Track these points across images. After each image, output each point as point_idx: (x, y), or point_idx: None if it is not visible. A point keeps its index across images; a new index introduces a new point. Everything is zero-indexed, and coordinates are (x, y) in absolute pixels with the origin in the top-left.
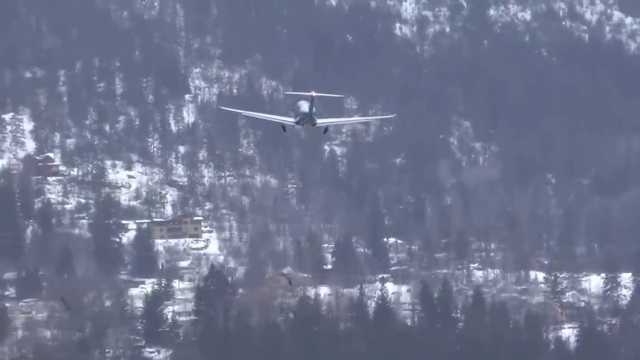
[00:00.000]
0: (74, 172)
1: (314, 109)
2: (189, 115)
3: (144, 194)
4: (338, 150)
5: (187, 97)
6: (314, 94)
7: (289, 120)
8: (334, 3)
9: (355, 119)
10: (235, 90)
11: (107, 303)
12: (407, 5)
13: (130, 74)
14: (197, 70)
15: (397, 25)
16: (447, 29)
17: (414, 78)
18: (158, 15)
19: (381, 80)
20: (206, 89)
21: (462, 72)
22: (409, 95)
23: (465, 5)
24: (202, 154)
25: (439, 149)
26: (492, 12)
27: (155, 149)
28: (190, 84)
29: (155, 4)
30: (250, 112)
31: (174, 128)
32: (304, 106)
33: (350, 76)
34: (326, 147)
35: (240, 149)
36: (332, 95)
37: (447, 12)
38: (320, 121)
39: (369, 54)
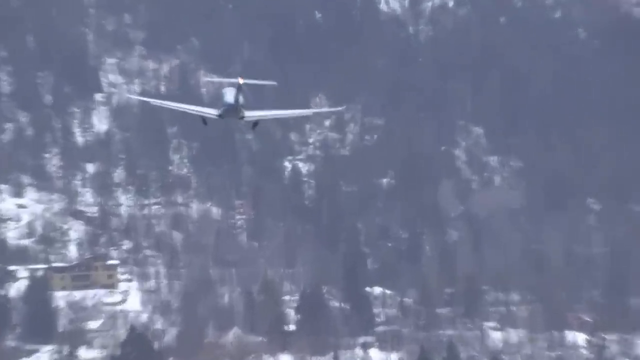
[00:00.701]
0: None
1: (240, 99)
2: (100, 122)
3: (39, 229)
4: (303, 167)
5: (98, 97)
6: (241, 80)
7: (210, 111)
8: None
9: (293, 111)
10: (162, 87)
11: None
12: None
13: (22, 67)
14: (112, 60)
15: None
16: (450, 3)
17: (405, 69)
18: None
19: (361, 73)
20: (124, 86)
21: (469, 61)
22: (398, 92)
23: None
24: (118, 175)
25: (439, 164)
26: None
27: (54, 168)
28: (103, 79)
29: None
30: (162, 101)
31: (79, 139)
32: (228, 95)
33: (320, 68)
34: (287, 164)
35: (170, 167)
36: (263, 83)
37: None
38: (249, 114)
39: (345, 37)
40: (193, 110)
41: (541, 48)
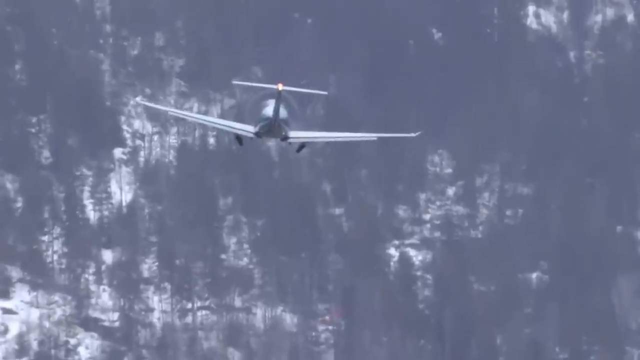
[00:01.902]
0: None
1: (283, 113)
2: (121, 189)
3: (35, 345)
4: (416, 255)
5: (117, 152)
6: (280, 87)
7: (246, 128)
8: None
9: (352, 134)
10: (212, 139)
11: None
12: None
13: (7, 108)
14: (138, 100)
15: None
16: (630, 16)
17: (563, 112)
18: None
19: (499, 117)
20: (155, 137)
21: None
22: (554, 145)
23: None
24: (148, 266)
25: (614, 251)
26: None
27: (55, 257)
28: (125, 127)
29: None
30: (183, 112)
31: (92, 214)
32: (268, 108)
33: (439, 109)
34: (393, 251)
35: (223, 256)
36: (312, 92)
37: None
38: (295, 134)
39: (476, 65)
40: (225, 126)
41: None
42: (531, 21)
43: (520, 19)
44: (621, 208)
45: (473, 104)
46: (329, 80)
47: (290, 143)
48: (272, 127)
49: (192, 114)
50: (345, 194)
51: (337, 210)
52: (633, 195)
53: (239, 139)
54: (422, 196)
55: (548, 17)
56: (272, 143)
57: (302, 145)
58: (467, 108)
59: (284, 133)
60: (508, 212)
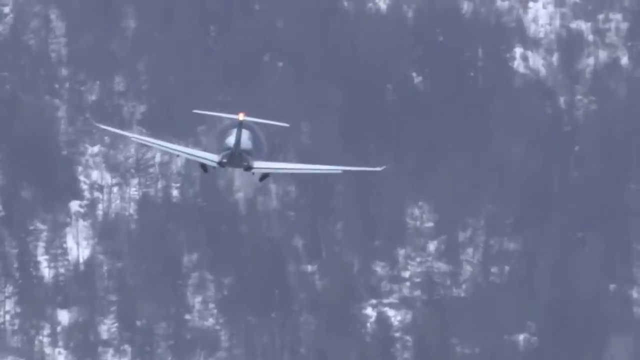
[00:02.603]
0: None
1: (247, 144)
2: (78, 246)
3: None
4: (395, 316)
5: (74, 205)
6: (241, 117)
7: (210, 157)
8: None
9: (317, 166)
10: (175, 190)
11: None
12: None
13: None
14: (96, 149)
15: None
16: (623, 59)
17: (553, 162)
18: None
19: (484, 167)
20: (114, 189)
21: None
22: (542, 198)
23: None
24: (107, 328)
25: (608, 312)
26: None
27: (7, 318)
28: (82, 178)
29: None
30: (144, 138)
31: (46, 272)
32: (230, 138)
33: (418, 158)
34: (369, 311)
35: (188, 316)
36: (273, 123)
37: None
38: (259, 165)
39: (458, 111)
40: (189, 154)
41: None
42: (518, 64)
43: (506, 61)
44: (614, 265)
45: (456, 152)
46: (301, 128)
47: (253, 173)
48: (234, 157)
49: (157, 140)
50: (319, 250)
51: (310, 267)
52: (627, 252)
53: (203, 167)
54: (402, 252)
55: (536, 60)
56: (240, 194)
57: (265, 175)
58: (449, 157)
59: (245, 163)
60: (493, 269)
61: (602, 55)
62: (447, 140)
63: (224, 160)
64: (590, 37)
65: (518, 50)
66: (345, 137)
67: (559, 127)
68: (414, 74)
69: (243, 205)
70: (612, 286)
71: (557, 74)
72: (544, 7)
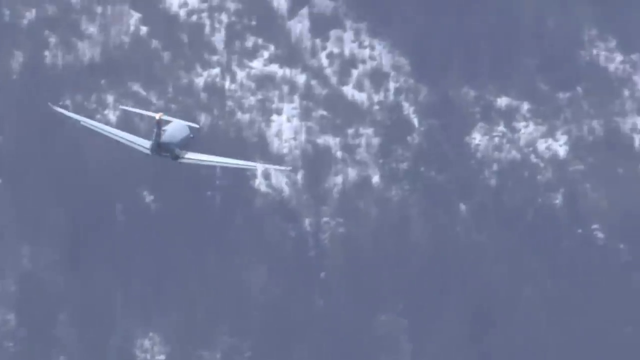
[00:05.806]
0: None
1: (176, 137)
2: None
3: None
4: None
5: None
6: (157, 116)
7: (144, 144)
8: None
9: (242, 162)
10: None
11: None
12: None
13: None
14: None
15: None
16: None
17: None
18: None
19: None
20: None
21: None
22: None
23: None
24: None
25: None
26: None
27: None
28: None
29: None
30: (89, 121)
31: None
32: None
33: None
34: None
35: None
36: (188, 124)
37: None
38: (190, 156)
39: None
40: (125, 139)
41: None
42: (259, 182)
43: (247, 179)
44: None
45: (190, 279)
46: (21, 253)
47: (180, 163)
48: (160, 149)
49: (94, 122)
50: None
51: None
52: None
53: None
54: None
55: (279, 179)
56: None
57: (177, 157)
58: (182, 284)
59: (175, 154)
60: None
61: (352, 173)
62: (180, 266)
63: (152, 149)
64: (339, 154)
65: (260, 168)
66: (68, 263)
67: (304, 251)
68: (146, 193)
69: None
70: None
71: (301, 193)
72: (289, 120)
